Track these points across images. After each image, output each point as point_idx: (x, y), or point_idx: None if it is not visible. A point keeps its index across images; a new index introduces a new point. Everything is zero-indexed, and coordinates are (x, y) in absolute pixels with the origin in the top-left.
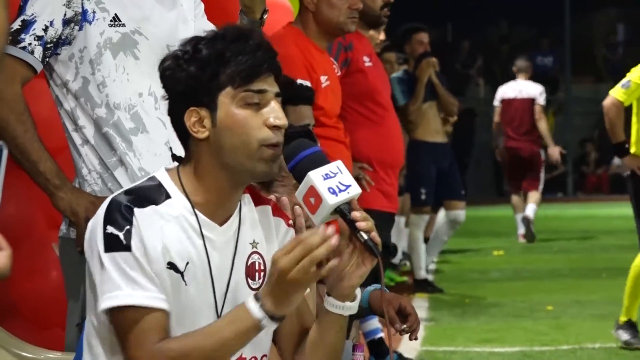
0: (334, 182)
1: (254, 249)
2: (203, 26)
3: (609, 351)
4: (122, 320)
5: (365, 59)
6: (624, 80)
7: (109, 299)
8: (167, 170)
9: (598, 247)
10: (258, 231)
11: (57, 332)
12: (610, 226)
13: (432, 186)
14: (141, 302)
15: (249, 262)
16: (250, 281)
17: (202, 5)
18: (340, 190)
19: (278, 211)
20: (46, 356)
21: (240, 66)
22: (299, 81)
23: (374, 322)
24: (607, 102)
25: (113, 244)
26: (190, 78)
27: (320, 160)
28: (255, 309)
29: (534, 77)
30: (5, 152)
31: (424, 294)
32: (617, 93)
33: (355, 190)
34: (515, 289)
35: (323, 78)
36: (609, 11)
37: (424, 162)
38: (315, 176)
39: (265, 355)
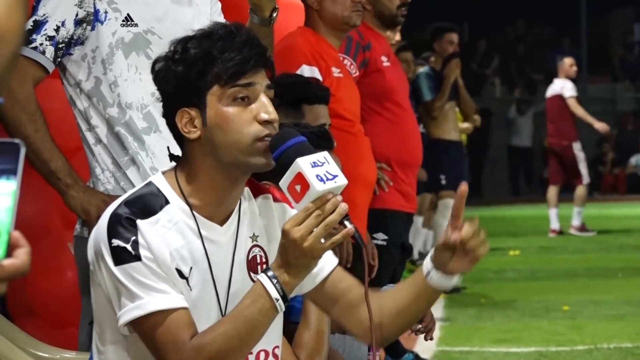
0: (321, 170)
1: (254, 242)
2: None
3: (625, 351)
4: (150, 328)
5: (384, 58)
6: None
7: (130, 311)
8: (164, 173)
9: (614, 247)
10: (258, 224)
11: (73, 332)
12: (626, 226)
13: (451, 172)
14: (164, 305)
15: (250, 257)
16: (253, 275)
17: (219, 4)
18: (328, 179)
19: (280, 197)
20: (62, 356)
21: (226, 64)
22: (305, 68)
23: None
24: None
25: (122, 257)
26: (179, 79)
27: (307, 149)
28: (269, 284)
29: (554, 76)
30: (23, 150)
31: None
32: None
33: (342, 180)
34: (531, 289)
35: (335, 69)
36: (626, 11)
37: (441, 155)
38: (303, 163)
39: (277, 347)
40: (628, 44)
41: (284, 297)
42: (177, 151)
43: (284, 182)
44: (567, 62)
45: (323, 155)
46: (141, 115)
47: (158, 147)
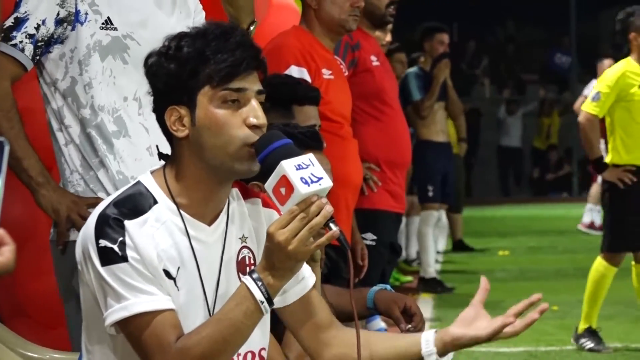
0: (306, 172)
1: (244, 244)
2: None
3: (615, 352)
4: (136, 329)
5: (373, 58)
6: (592, 93)
7: (116, 312)
8: (152, 172)
9: None
10: (247, 225)
11: (63, 332)
12: None
13: (439, 183)
14: (149, 307)
15: (239, 258)
16: (242, 276)
17: (203, 14)
18: (312, 182)
19: (268, 203)
20: (51, 356)
21: (219, 65)
22: (293, 68)
23: (378, 322)
24: (581, 118)
25: (109, 257)
26: (170, 76)
27: (292, 152)
28: (254, 287)
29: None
30: (7, 148)
31: (429, 294)
32: (589, 107)
33: (327, 183)
34: (520, 289)
35: (326, 71)
36: (615, 11)
37: (430, 161)
38: (287, 165)
39: (263, 349)
40: (617, 44)
41: (268, 299)
42: (144, 154)
43: (269, 185)
44: (607, 62)
45: (308, 158)
46: (112, 119)
47: (126, 152)
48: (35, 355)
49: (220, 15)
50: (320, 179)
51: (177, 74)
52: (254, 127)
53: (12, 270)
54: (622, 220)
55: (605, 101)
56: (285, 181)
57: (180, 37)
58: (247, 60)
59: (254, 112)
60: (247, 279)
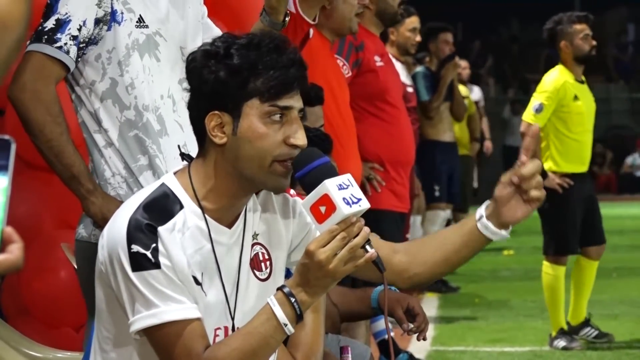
0: (347, 193)
1: (255, 240)
2: (207, 28)
3: (619, 350)
4: (164, 337)
5: (377, 58)
6: (535, 104)
7: (144, 319)
8: (176, 173)
9: (608, 247)
10: (258, 222)
11: (66, 332)
12: (620, 226)
13: (445, 183)
14: (179, 316)
15: (253, 254)
16: (257, 272)
17: (205, 9)
18: (354, 202)
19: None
20: (54, 355)
21: (271, 81)
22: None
23: (383, 322)
24: (525, 129)
25: (141, 263)
26: (219, 82)
27: (332, 171)
28: (286, 303)
29: None
30: (13, 146)
31: (434, 294)
32: (531, 119)
33: (365, 204)
34: (525, 288)
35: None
36: (620, 11)
37: (436, 160)
38: (331, 185)
39: None
40: (622, 44)
41: (299, 315)
42: (194, 150)
43: (308, 202)
44: None
45: (347, 178)
46: (155, 118)
47: (167, 151)
48: (39, 355)
49: (223, 14)
50: (359, 200)
51: (226, 81)
52: (292, 146)
53: (21, 268)
54: (563, 224)
55: (548, 112)
56: (326, 200)
57: (229, 43)
58: (298, 80)
59: (297, 132)
60: (278, 295)
